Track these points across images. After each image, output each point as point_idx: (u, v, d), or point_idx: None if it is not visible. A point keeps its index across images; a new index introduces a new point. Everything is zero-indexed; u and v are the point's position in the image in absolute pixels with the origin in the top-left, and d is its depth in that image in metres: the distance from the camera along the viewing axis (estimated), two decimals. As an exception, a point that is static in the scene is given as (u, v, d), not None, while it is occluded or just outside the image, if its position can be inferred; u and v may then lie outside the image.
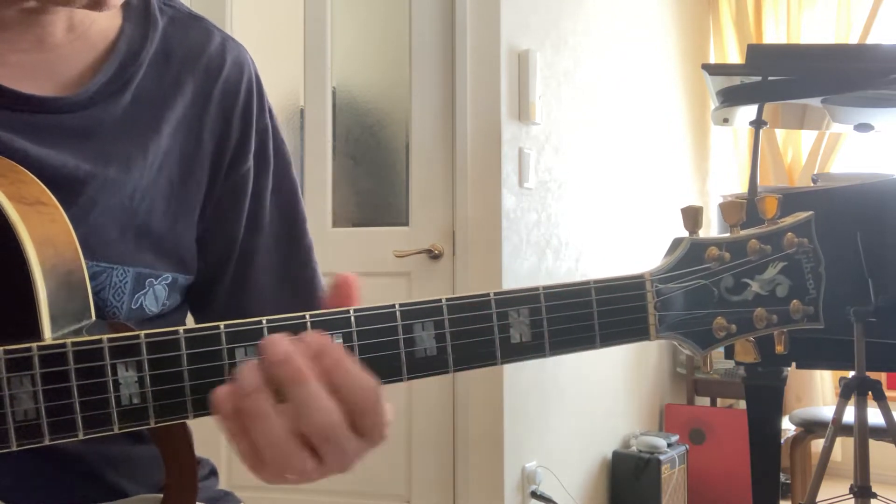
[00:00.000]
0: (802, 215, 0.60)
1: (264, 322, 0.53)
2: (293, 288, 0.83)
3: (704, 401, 3.68)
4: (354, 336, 0.54)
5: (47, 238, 0.58)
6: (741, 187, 3.91)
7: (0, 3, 0.67)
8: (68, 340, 0.52)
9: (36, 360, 0.52)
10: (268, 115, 0.83)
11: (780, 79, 2.18)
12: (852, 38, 3.70)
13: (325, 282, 0.86)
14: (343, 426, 0.52)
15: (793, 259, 0.60)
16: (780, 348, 0.59)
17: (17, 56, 0.70)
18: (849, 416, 1.88)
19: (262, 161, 0.82)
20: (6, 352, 0.51)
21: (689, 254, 0.58)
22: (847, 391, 1.88)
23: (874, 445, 1.90)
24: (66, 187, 0.67)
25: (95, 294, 0.68)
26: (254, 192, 0.81)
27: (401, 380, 0.55)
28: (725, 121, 2.45)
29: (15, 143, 0.66)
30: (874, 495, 1.88)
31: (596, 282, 0.57)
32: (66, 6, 0.67)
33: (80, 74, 0.72)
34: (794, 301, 0.59)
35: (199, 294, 0.81)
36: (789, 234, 0.59)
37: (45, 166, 0.66)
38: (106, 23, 0.74)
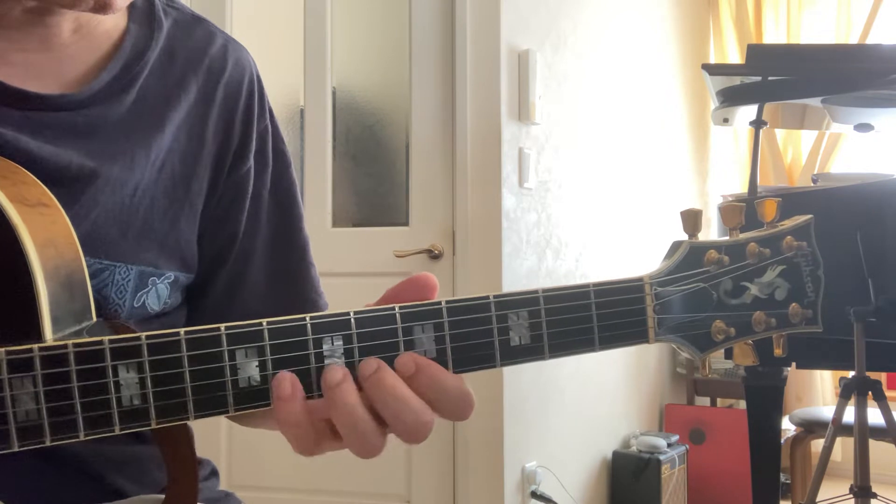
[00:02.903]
0: (801, 219, 0.60)
1: (264, 324, 0.53)
2: (288, 287, 0.84)
3: (704, 401, 3.69)
4: (354, 338, 0.54)
5: (49, 239, 0.58)
6: (741, 187, 3.91)
7: (3, 2, 0.67)
8: (69, 342, 0.52)
9: (37, 361, 0.52)
10: (268, 115, 0.84)
11: (780, 79, 2.18)
12: (852, 38, 3.70)
13: (322, 281, 0.87)
14: (432, 426, 0.55)
15: (792, 262, 0.60)
16: (778, 351, 0.59)
17: (23, 55, 0.70)
18: (849, 416, 1.89)
19: (261, 161, 0.83)
20: (8, 353, 0.52)
21: (688, 257, 0.58)
22: (847, 391, 1.88)
23: (874, 445, 1.91)
24: (69, 184, 0.67)
25: (97, 291, 0.69)
26: (253, 191, 0.82)
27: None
28: (725, 121, 2.45)
29: (20, 140, 0.66)
30: (874, 495, 1.88)
31: (595, 285, 0.57)
32: (72, 9, 0.67)
33: (85, 73, 0.73)
34: (793, 304, 0.59)
35: (194, 291, 0.81)
36: (788, 237, 0.59)
37: (50, 164, 0.67)
38: (111, 23, 0.75)
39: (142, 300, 0.73)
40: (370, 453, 0.55)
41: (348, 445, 0.55)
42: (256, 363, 0.53)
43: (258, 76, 0.84)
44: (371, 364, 0.54)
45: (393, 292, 0.57)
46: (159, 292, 0.74)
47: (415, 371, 0.54)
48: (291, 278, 0.84)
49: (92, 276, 0.62)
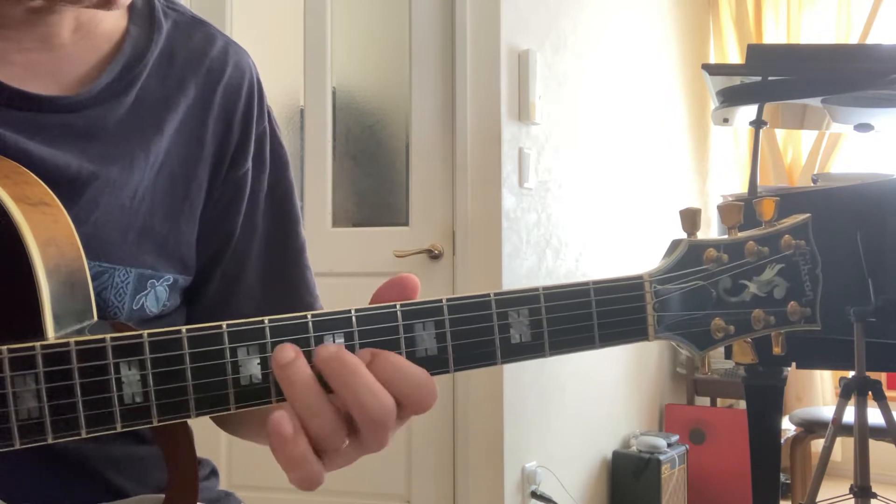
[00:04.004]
0: (799, 217, 0.60)
1: (266, 322, 0.54)
2: (282, 289, 0.83)
3: (704, 401, 3.69)
4: (356, 336, 0.54)
5: (50, 238, 0.58)
6: (741, 187, 3.91)
7: (6, 1, 0.67)
8: (71, 339, 0.52)
9: (39, 358, 0.52)
10: (267, 118, 0.84)
11: (780, 79, 2.18)
12: (852, 38, 3.70)
13: (317, 281, 0.87)
14: (394, 413, 0.53)
15: (790, 261, 0.60)
16: (777, 350, 0.59)
17: (23, 55, 0.70)
18: (849, 416, 1.89)
19: (259, 163, 0.82)
20: (10, 350, 0.52)
21: (688, 255, 0.59)
22: (847, 391, 1.88)
23: (874, 445, 1.91)
24: (69, 187, 0.67)
25: (97, 294, 0.69)
26: (250, 193, 0.82)
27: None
28: (725, 121, 2.45)
29: (19, 142, 0.66)
30: (874, 495, 1.88)
31: (595, 282, 0.57)
32: (75, 5, 0.67)
33: (85, 74, 0.73)
34: (792, 303, 0.60)
35: (190, 292, 0.81)
36: (786, 236, 0.60)
37: (49, 165, 0.67)
38: (111, 24, 0.75)
39: (140, 303, 0.73)
40: (334, 443, 0.53)
41: (311, 436, 0.53)
42: (258, 361, 0.54)
43: (258, 79, 0.84)
44: (330, 347, 0.53)
45: (377, 293, 0.57)
46: (158, 295, 0.74)
47: (371, 358, 0.53)
48: (286, 280, 0.84)
49: (91, 279, 0.62)
